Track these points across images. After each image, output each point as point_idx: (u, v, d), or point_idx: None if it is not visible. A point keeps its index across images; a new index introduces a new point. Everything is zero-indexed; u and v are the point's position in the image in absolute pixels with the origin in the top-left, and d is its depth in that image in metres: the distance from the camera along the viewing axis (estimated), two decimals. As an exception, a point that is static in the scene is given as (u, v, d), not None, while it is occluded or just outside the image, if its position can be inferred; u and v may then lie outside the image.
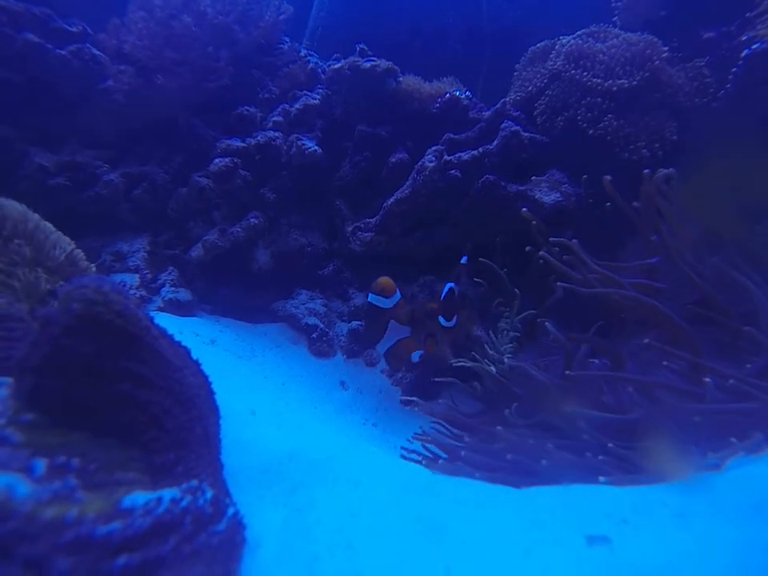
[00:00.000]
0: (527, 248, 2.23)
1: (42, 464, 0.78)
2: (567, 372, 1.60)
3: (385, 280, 2.04)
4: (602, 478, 1.24)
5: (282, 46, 3.05)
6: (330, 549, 0.85)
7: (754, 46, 2.02)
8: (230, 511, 0.86)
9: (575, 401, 1.46)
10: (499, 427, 1.46)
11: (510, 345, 2.06)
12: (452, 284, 2.04)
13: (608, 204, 2.06)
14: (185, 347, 1.11)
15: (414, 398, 1.91)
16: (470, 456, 1.52)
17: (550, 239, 1.96)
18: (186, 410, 0.97)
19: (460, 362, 1.97)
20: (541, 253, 1.89)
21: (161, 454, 0.87)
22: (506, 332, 2.12)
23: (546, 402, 1.53)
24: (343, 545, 0.85)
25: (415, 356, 2.09)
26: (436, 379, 2.07)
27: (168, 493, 0.80)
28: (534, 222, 2.09)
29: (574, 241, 1.86)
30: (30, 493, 0.72)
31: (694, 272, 1.70)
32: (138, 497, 0.78)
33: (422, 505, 1.00)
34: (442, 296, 2.03)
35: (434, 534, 0.89)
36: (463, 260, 2.18)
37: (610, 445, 1.27)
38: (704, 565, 0.81)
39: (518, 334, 1.99)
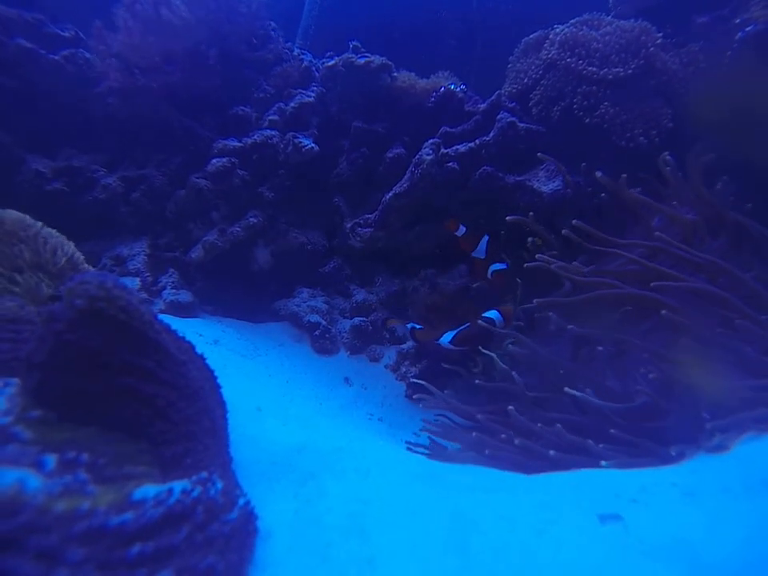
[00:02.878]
0: (529, 239, 2.24)
1: (52, 459, 0.78)
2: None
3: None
4: (604, 462, 1.24)
5: (272, 44, 3.04)
6: (342, 535, 0.84)
7: (748, 29, 2.02)
8: (241, 501, 0.86)
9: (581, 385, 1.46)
10: (510, 407, 1.46)
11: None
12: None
13: (602, 195, 2.09)
14: (188, 342, 1.11)
15: (423, 382, 1.91)
16: (478, 445, 1.52)
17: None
18: (192, 402, 0.97)
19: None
20: (538, 255, 1.89)
21: (169, 447, 0.87)
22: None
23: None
24: (356, 531, 0.85)
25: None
26: (443, 365, 2.07)
27: (178, 484, 0.80)
28: (530, 215, 2.12)
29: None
30: (42, 486, 0.72)
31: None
32: (149, 489, 0.78)
33: (432, 491, 1.00)
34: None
35: (446, 518, 0.89)
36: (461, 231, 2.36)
37: (613, 431, 1.28)
38: (715, 538, 0.81)
39: (520, 323, 1.99)
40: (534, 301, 1.83)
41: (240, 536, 0.80)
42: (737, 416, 1.16)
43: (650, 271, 1.68)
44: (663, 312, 1.47)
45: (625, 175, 1.97)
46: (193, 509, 0.76)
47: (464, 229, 2.37)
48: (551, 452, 1.35)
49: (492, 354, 1.80)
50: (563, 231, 1.96)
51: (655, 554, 0.79)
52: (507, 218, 2.18)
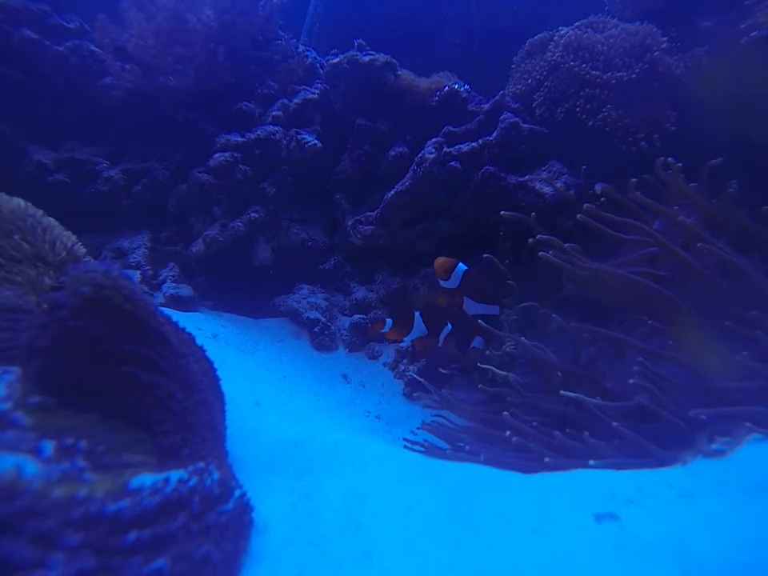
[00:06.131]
0: (530, 240, 2.24)
1: (49, 446, 0.78)
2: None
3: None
4: (592, 462, 1.24)
5: (278, 41, 3.05)
6: (339, 529, 0.84)
7: (753, 34, 2.03)
8: (237, 493, 0.86)
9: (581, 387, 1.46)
10: (506, 413, 1.46)
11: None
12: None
13: (602, 198, 2.09)
14: (189, 333, 1.11)
15: (422, 379, 1.90)
16: (476, 444, 1.52)
17: (543, 237, 1.95)
18: (191, 394, 0.97)
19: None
20: (541, 254, 1.88)
21: (167, 437, 0.87)
22: (506, 323, 2.12)
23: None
24: (352, 525, 0.85)
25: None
26: (440, 369, 2.07)
27: (175, 474, 0.80)
28: (532, 215, 2.11)
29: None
30: (39, 473, 0.72)
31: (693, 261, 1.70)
32: (146, 478, 0.78)
33: (429, 487, 1.00)
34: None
35: (442, 514, 0.89)
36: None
37: (615, 424, 1.27)
38: (711, 538, 0.81)
39: (514, 317, 1.99)
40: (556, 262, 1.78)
41: (236, 527, 0.80)
42: (736, 419, 1.16)
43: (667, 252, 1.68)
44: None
45: (634, 180, 1.95)
46: (189, 498, 0.76)
47: (390, 322, 2.14)
48: (546, 459, 1.35)
49: (491, 368, 1.79)
50: (579, 217, 1.89)
51: (650, 553, 0.79)
52: (502, 212, 2.14)
